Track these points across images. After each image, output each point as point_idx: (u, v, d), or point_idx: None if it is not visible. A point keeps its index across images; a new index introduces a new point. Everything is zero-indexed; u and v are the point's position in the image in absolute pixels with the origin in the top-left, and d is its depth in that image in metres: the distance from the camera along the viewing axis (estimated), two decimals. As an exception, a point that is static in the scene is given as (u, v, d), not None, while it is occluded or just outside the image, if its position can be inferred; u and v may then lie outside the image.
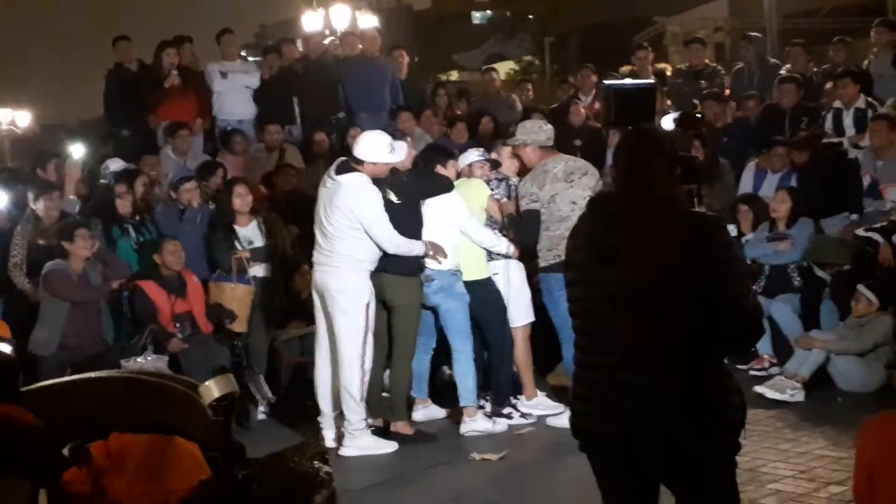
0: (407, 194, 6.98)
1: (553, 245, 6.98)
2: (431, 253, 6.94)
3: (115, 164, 8.83)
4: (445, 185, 7.17)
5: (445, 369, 8.00)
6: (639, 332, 3.23)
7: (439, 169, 7.26)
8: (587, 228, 3.51)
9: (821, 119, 9.77)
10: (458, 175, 7.49)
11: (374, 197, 6.72)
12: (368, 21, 18.10)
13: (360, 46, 11.45)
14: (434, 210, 7.12)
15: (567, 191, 7.07)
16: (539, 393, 7.60)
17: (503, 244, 7.43)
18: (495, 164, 7.64)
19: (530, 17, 40.67)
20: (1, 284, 7.88)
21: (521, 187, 7.21)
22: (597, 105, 11.41)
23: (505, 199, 7.63)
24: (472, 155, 7.66)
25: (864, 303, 7.54)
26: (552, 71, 31.59)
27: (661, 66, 12.39)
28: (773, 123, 9.75)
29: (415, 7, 50.50)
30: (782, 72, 10.63)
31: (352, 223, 6.69)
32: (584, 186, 7.13)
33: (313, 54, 11.44)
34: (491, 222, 7.48)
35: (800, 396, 7.30)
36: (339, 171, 6.79)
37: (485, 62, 35.40)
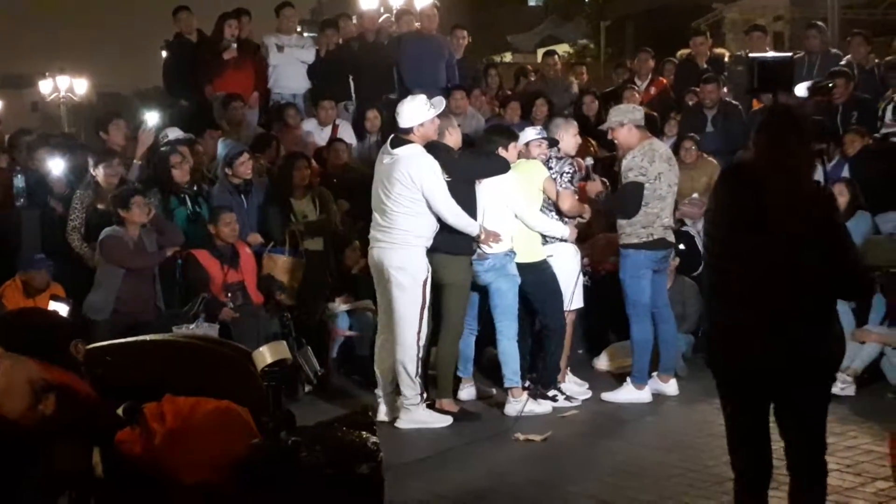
0: (458, 173, 6.99)
1: (649, 222, 7.16)
2: (483, 237, 6.95)
3: (174, 133, 8.92)
4: (500, 167, 7.14)
5: (491, 349, 8.02)
6: (770, 287, 3.84)
7: (500, 151, 7.22)
8: (727, 193, 4.05)
9: (880, 112, 9.63)
10: (519, 156, 7.46)
11: (433, 165, 6.78)
12: (424, -1, 18.04)
13: (417, 24, 11.43)
14: (489, 192, 7.12)
15: (669, 172, 7.27)
16: (568, 378, 7.62)
17: (558, 228, 7.41)
18: (553, 143, 7.61)
19: (586, 0, 40.35)
20: (59, 248, 7.99)
21: (628, 161, 7.22)
22: (653, 90, 11.35)
23: (590, 182, 7.59)
24: (530, 133, 7.62)
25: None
26: (607, 55, 31.34)
27: (719, 51, 12.25)
28: (825, 117, 9.63)
29: (471, -13, 50.27)
30: (843, 62, 10.48)
31: (413, 194, 6.72)
32: (677, 172, 7.39)
33: (370, 34, 11.45)
34: (548, 204, 7.46)
35: (850, 390, 7.23)
36: (394, 146, 6.84)
37: (539, 45, 35.23)
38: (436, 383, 7.20)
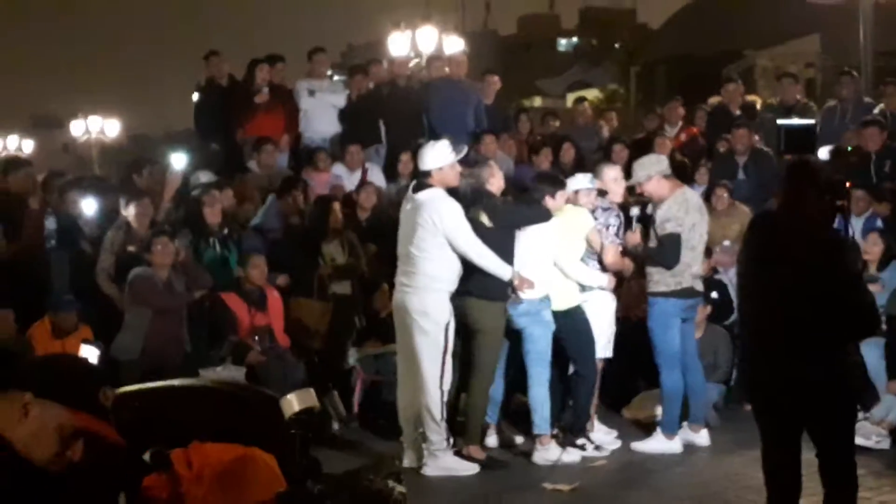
0: (500, 219, 7.00)
1: (679, 271, 7.14)
2: (517, 283, 6.91)
3: (206, 177, 8.96)
4: (542, 215, 7.13)
5: (518, 396, 7.94)
6: (786, 319, 4.36)
7: (548, 199, 7.21)
8: (751, 236, 4.71)
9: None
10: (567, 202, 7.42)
11: (454, 207, 6.80)
12: (455, 44, 18.18)
13: (447, 70, 11.49)
14: (530, 237, 7.11)
15: (701, 222, 7.27)
16: (596, 426, 7.55)
17: (596, 278, 7.38)
18: (602, 193, 7.56)
19: (616, 45, 40.61)
20: (88, 290, 8.01)
21: (664, 211, 7.18)
22: (682, 137, 11.32)
23: (629, 232, 7.51)
24: (581, 181, 7.58)
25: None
26: (637, 100, 31.42)
27: (751, 98, 12.23)
28: (858, 166, 9.56)
29: (501, 32, 50.76)
30: (876, 111, 10.41)
31: (436, 238, 6.73)
32: (708, 221, 7.40)
33: (400, 79, 11.50)
34: (590, 254, 7.42)
35: (885, 444, 7.10)
36: (416, 190, 6.89)
37: (568, 89, 35.43)
38: (463, 430, 7.14)
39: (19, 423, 3.14)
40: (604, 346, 7.40)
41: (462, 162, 7.09)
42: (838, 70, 12.57)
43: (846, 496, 4.56)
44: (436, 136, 10.67)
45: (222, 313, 7.90)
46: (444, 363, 6.76)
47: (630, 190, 8.12)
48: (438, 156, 6.88)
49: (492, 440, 7.47)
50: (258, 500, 4.23)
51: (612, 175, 7.70)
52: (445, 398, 6.82)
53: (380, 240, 8.92)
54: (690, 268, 7.19)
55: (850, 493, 4.57)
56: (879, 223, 8.81)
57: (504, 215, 7.05)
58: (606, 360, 7.62)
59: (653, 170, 7.29)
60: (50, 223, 8.07)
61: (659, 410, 7.53)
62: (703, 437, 7.43)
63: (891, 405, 7.27)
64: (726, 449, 7.29)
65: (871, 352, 7.84)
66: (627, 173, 8.07)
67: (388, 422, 7.73)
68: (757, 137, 10.44)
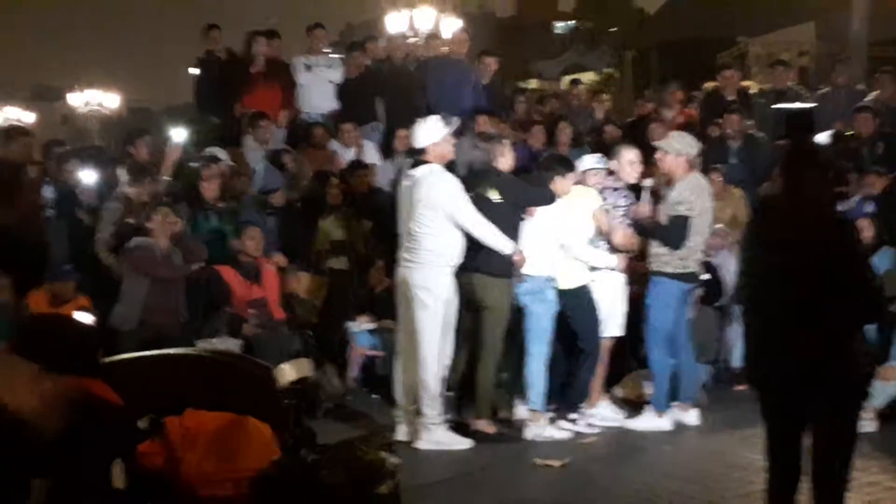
0: (509, 196, 7.05)
1: (686, 255, 7.18)
2: (517, 258, 6.96)
3: (223, 154, 9.00)
4: (546, 198, 7.16)
5: (503, 376, 7.98)
6: (793, 302, 4.29)
7: (557, 179, 7.24)
8: (757, 221, 4.73)
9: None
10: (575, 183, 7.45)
11: (451, 181, 6.86)
12: (452, 24, 18.16)
13: (445, 48, 11.47)
14: (537, 217, 7.15)
15: (710, 209, 7.28)
16: (601, 403, 7.61)
17: (604, 259, 7.41)
18: (611, 173, 7.55)
19: (612, 29, 40.54)
20: (86, 259, 8.03)
21: (677, 193, 7.18)
22: (681, 120, 11.35)
23: (639, 203, 7.47)
24: (589, 161, 7.60)
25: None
26: (631, 85, 31.42)
27: (745, 84, 12.27)
28: (852, 151, 9.64)
29: (498, 14, 50.62)
30: (868, 99, 10.47)
31: (435, 213, 6.79)
32: (713, 208, 7.39)
33: (398, 58, 11.49)
34: (597, 234, 7.43)
35: (872, 427, 7.16)
36: (414, 167, 6.97)
37: (564, 72, 35.40)
38: (457, 405, 7.22)
39: (28, 392, 3.19)
40: (614, 327, 7.48)
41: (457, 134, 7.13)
42: (832, 58, 12.59)
43: (836, 488, 4.43)
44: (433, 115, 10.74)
45: (218, 286, 7.94)
46: (443, 338, 6.83)
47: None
48: (431, 131, 6.94)
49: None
50: (252, 467, 4.31)
51: (629, 157, 7.59)
52: (443, 373, 6.90)
53: (375, 217, 8.97)
54: (696, 252, 7.25)
55: (841, 487, 4.44)
56: (869, 208, 8.87)
57: (511, 193, 7.08)
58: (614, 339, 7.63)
59: (685, 149, 7.27)
60: (48, 192, 8.07)
61: (649, 389, 7.60)
62: (692, 417, 7.50)
63: (879, 389, 7.33)
64: (715, 428, 7.37)
65: (860, 336, 7.91)
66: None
67: (382, 395, 7.82)
68: (751, 122, 10.50)
